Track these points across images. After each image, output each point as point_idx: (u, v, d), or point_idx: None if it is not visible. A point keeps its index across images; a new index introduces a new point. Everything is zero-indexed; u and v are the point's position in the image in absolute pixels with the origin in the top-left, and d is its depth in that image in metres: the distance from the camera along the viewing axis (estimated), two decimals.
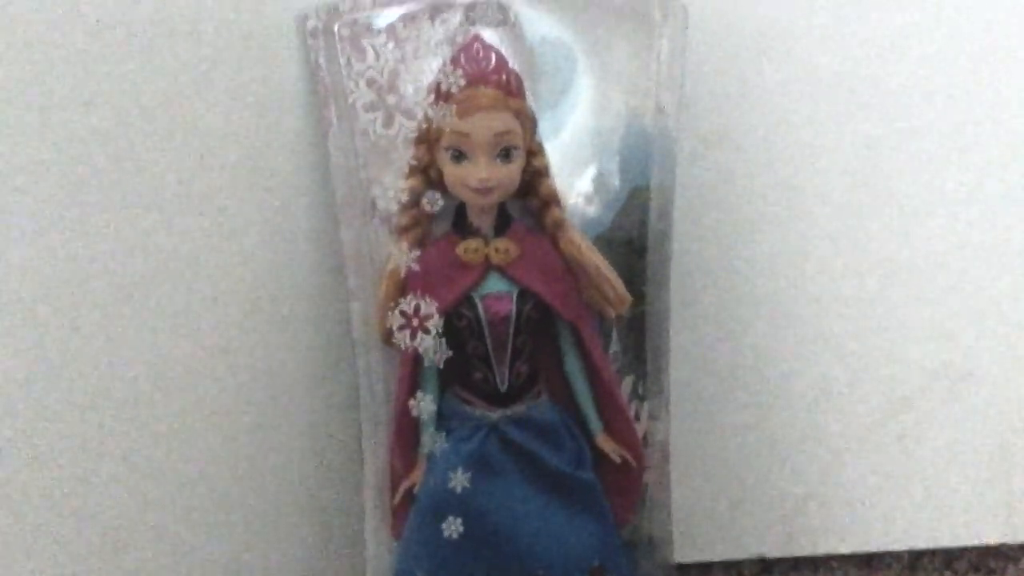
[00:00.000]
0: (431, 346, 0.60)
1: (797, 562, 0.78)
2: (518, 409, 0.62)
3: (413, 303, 0.60)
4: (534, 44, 0.63)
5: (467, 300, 0.60)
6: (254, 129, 0.65)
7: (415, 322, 0.60)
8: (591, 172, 0.64)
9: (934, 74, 0.72)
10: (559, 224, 0.61)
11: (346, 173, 0.63)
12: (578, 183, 0.64)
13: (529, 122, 0.60)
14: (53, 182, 0.62)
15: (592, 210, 0.64)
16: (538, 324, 0.62)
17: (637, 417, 0.66)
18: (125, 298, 0.63)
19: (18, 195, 0.61)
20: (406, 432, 0.62)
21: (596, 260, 0.62)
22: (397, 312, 0.60)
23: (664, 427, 0.67)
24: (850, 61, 0.71)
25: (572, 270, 0.62)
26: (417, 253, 0.60)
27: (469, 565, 0.62)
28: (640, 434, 0.66)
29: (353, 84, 0.61)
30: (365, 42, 0.61)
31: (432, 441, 0.62)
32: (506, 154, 0.59)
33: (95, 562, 0.65)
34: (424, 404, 0.61)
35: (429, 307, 0.60)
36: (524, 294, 0.61)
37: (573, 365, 0.63)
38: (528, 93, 0.60)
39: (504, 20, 0.62)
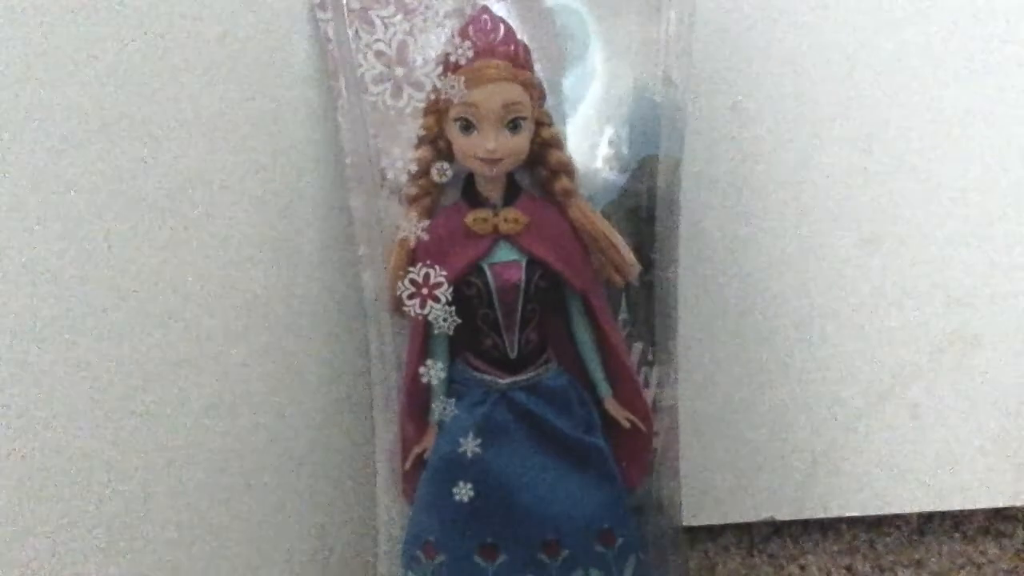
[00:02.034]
0: (441, 314, 0.60)
1: (807, 524, 0.79)
2: (528, 376, 0.62)
3: (423, 272, 0.60)
4: (543, 15, 0.63)
5: (476, 269, 0.61)
6: (264, 102, 0.65)
7: (425, 291, 0.60)
8: (600, 142, 0.65)
9: (948, 41, 0.72)
10: (568, 193, 0.62)
11: (355, 144, 0.64)
12: (587, 152, 0.64)
13: (537, 93, 0.60)
14: (68, 146, 0.61)
15: (601, 179, 0.65)
16: (547, 292, 0.62)
17: (646, 383, 0.67)
18: (141, 266, 0.63)
19: (31, 173, 0.62)
20: (417, 399, 0.63)
21: (605, 228, 0.62)
22: (407, 281, 0.60)
23: (673, 392, 0.68)
24: (859, 30, 0.71)
25: (581, 239, 0.62)
26: (426, 223, 0.61)
27: (480, 529, 0.62)
28: (649, 400, 0.66)
29: (362, 56, 0.61)
30: (373, 14, 0.61)
31: (442, 407, 0.62)
32: (514, 125, 0.59)
33: (113, 508, 0.66)
34: (434, 371, 0.62)
35: (438, 276, 0.60)
36: (533, 263, 0.61)
37: (582, 332, 0.64)
38: (536, 64, 0.61)
39: None
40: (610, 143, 0.65)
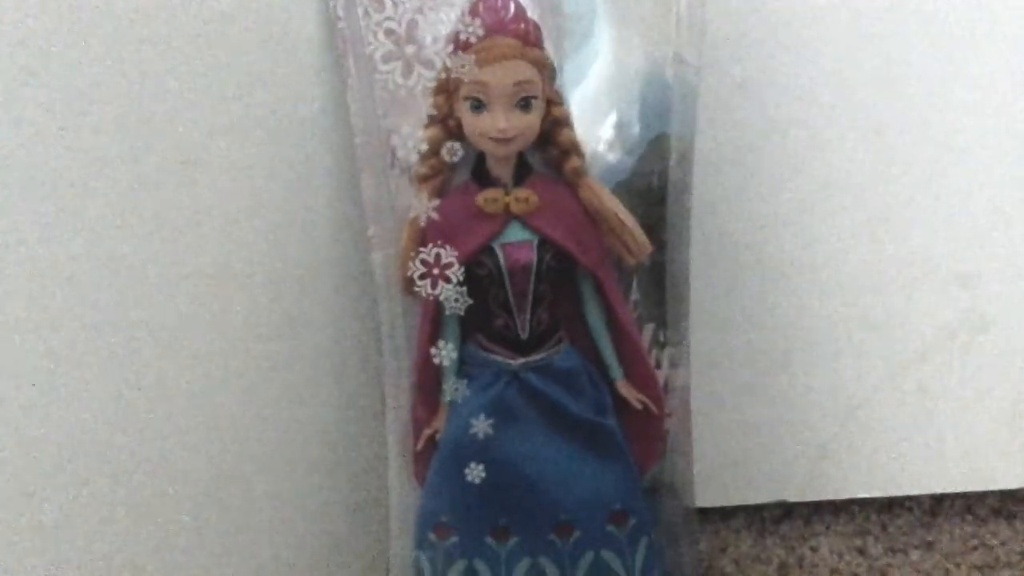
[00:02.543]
0: (452, 294, 0.60)
1: (818, 506, 0.79)
2: (539, 357, 0.62)
3: (434, 252, 0.60)
4: None
5: (487, 249, 0.61)
6: (273, 81, 0.65)
7: (436, 271, 0.60)
8: (611, 121, 0.64)
9: (959, 21, 0.72)
10: (579, 173, 0.62)
11: (365, 123, 0.63)
12: (598, 131, 0.64)
13: (548, 71, 0.60)
14: (78, 140, 0.61)
15: (612, 158, 0.64)
16: (558, 272, 0.62)
17: (658, 364, 0.67)
18: (149, 250, 0.63)
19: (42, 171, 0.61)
20: (428, 380, 0.63)
21: (616, 208, 0.62)
22: (418, 261, 0.60)
23: (685, 374, 0.67)
24: (871, 10, 0.70)
25: (592, 218, 0.62)
26: (437, 202, 0.61)
27: (491, 510, 0.63)
28: (661, 381, 0.66)
29: (371, 35, 0.61)
30: None
31: (454, 388, 0.62)
32: (525, 103, 0.59)
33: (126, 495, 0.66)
34: (446, 352, 0.62)
35: (449, 256, 0.60)
36: (544, 243, 0.61)
37: (594, 313, 0.64)
38: (547, 42, 0.60)
39: None
40: (617, 124, 0.64)
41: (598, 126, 0.64)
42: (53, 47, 0.59)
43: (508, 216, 0.61)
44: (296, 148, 0.66)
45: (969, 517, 0.80)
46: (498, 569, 0.63)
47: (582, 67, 0.64)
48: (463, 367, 0.63)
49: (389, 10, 0.60)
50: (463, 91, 0.59)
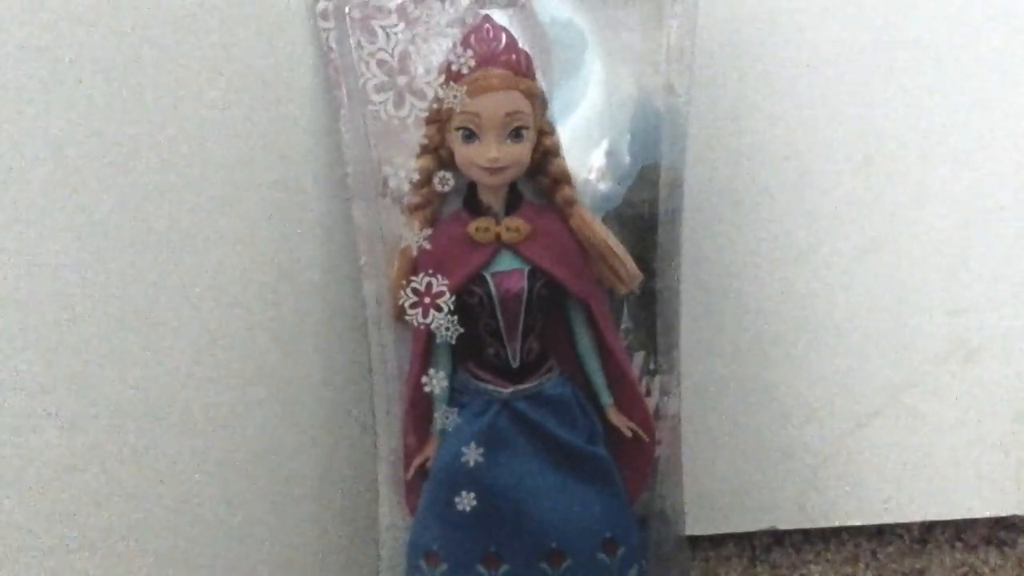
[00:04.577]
0: (443, 323, 0.60)
1: (808, 534, 0.79)
2: (530, 385, 0.63)
3: (425, 281, 0.60)
4: (544, 24, 0.63)
5: (479, 278, 0.61)
6: (266, 110, 0.65)
7: (427, 300, 0.60)
8: (602, 150, 0.65)
9: (947, 52, 0.72)
10: (569, 202, 0.62)
11: (358, 153, 0.64)
12: (589, 161, 0.64)
13: (539, 102, 0.60)
14: (69, 165, 0.62)
15: (603, 187, 0.65)
16: (549, 301, 0.62)
17: (648, 392, 0.67)
18: (142, 278, 0.63)
19: (35, 182, 0.62)
20: (419, 408, 0.63)
21: (606, 237, 0.62)
22: (409, 290, 0.60)
23: (675, 401, 0.67)
24: (860, 39, 0.71)
25: (583, 247, 0.62)
26: (428, 231, 0.61)
27: (482, 538, 0.62)
28: (651, 408, 0.66)
29: (364, 65, 0.61)
30: (375, 23, 0.61)
31: (445, 417, 0.62)
32: (516, 134, 0.59)
33: (123, 523, 0.66)
34: (437, 380, 0.62)
35: (441, 285, 0.60)
36: (535, 272, 0.61)
37: (584, 341, 0.64)
38: (538, 72, 0.61)
39: (513, 1, 0.62)
40: (608, 153, 0.65)
41: (589, 155, 0.64)
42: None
43: (499, 245, 0.61)
44: (288, 177, 0.66)
45: (959, 544, 0.80)
46: None
47: (573, 96, 0.64)
48: (454, 395, 0.63)
49: (381, 41, 0.61)
50: (455, 121, 0.59)
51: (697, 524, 0.75)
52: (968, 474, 0.77)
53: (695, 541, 0.77)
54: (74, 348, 0.62)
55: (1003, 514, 0.78)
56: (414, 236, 0.61)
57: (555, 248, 0.62)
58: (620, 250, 0.63)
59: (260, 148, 0.66)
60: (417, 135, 0.61)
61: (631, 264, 0.63)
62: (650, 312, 0.66)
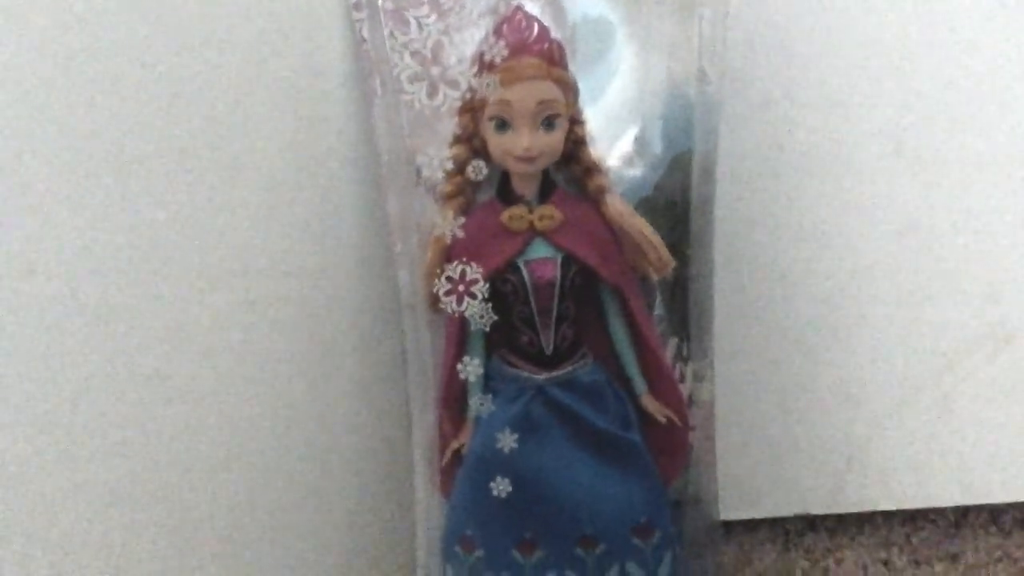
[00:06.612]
0: (477, 311, 0.61)
1: (842, 519, 0.79)
2: (564, 371, 0.63)
3: (459, 269, 0.60)
4: (576, 12, 0.63)
5: (512, 265, 0.61)
6: (301, 102, 0.66)
7: (461, 287, 0.61)
8: (634, 137, 0.65)
9: (983, 32, 0.72)
10: (602, 190, 0.62)
11: (391, 143, 0.64)
12: (621, 148, 0.65)
13: (571, 90, 0.60)
14: (101, 156, 0.62)
15: (635, 174, 0.65)
16: (582, 289, 0.62)
17: (682, 378, 0.67)
18: (179, 266, 0.64)
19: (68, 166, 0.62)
20: (454, 395, 0.64)
21: (639, 224, 0.63)
22: (443, 278, 0.61)
23: (709, 387, 0.68)
24: (892, 24, 0.70)
25: (616, 235, 0.62)
26: (462, 220, 0.61)
27: (517, 524, 0.63)
28: (685, 395, 0.66)
29: (397, 56, 0.62)
30: (408, 14, 0.61)
31: (479, 403, 0.62)
32: (549, 123, 0.59)
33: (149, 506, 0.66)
34: (471, 367, 0.62)
35: (475, 273, 0.60)
36: (568, 259, 0.61)
37: (618, 328, 0.64)
38: (570, 61, 0.61)
39: None
40: (639, 140, 0.65)
41: (621, 143, 0.65)
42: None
43: (532, 233, 0.61)
44: (323, 167, 0.67)
45: (994, 529, 0.79)
46: None
47: (604, 84, 0.65)
48: (488, 382, 0.63)
49: (414, 32, 0.61)
50: (488, 111, 0.60)
51: (730, 509, 0.75)
52: (1003, 459, 0.77)
53: (729, 526, 0.77)
54: (107, 341, 0.63)
55: None
56: (448, 224, 0.61)
57: (588, 236, 0.62)
58: (653, 237, 0.63)
59: (294, 140, 0.66)
60: (450, 124, 0.61)
61: (664, 251, 0.63)
62: (683, 299, 0.66)
